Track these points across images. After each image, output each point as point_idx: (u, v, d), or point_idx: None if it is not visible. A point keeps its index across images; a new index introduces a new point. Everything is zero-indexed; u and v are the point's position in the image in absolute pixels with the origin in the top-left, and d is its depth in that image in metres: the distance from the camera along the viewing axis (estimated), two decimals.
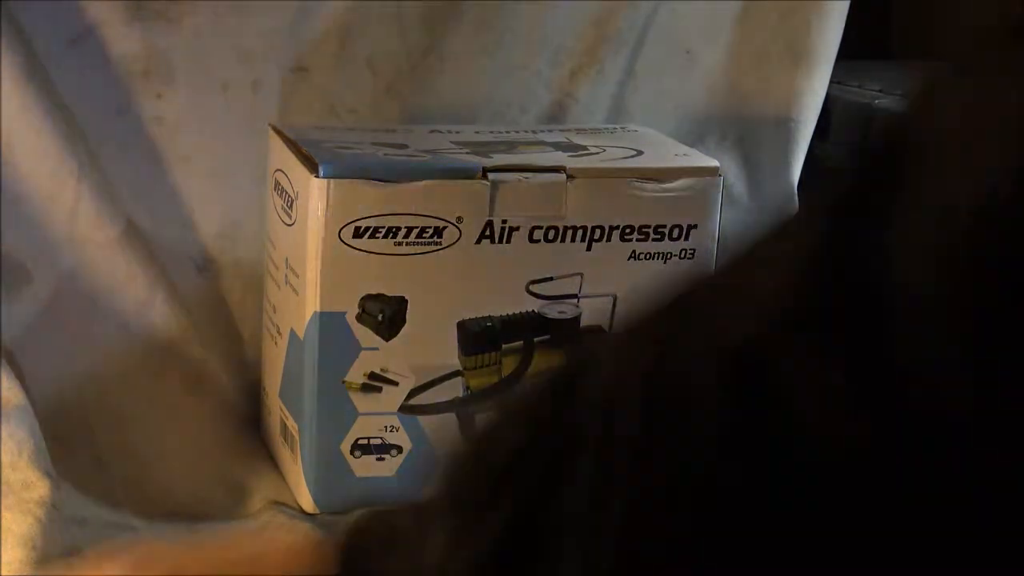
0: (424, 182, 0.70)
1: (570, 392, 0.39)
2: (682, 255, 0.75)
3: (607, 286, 0.74)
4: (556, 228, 0.73)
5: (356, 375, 0.73)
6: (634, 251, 0.74)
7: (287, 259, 0.74)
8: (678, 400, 0.36)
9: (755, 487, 0.35)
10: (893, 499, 0.34)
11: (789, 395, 0.34)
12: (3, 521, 0.65)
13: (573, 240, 0.73)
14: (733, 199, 0.92)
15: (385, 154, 0.73)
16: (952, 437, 0.33)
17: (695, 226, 0.75)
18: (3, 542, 0.64)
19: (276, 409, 0.78)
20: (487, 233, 0.72)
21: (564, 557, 0.37)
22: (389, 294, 0.71)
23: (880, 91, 1.01)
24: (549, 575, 0.37)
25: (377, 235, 0.70)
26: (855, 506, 0.34)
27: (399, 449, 0.74)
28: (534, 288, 0.74)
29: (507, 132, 0.80)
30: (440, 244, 0.71)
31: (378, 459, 0.74)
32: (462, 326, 0.73)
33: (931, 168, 0.34)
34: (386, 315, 0.72)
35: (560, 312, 0.74)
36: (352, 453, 0.74)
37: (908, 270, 0.34)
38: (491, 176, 0.71)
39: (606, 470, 0.37)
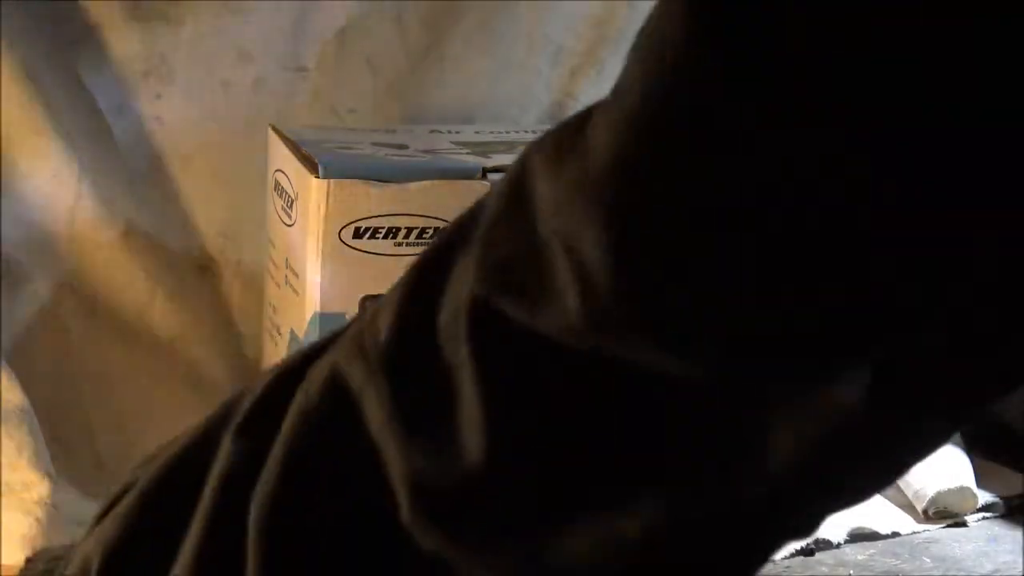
0: (424, 182, 0.70)
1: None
2: None
3: None
4: None
5: None
6: None
7: (287, 259, 0.74)
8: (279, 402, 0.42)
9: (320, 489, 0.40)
10: None
11: (356, 413, 0.39)
12: (3, 521, 0.65)
13: None
14: None
15: (385, 154, 0.73)
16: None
17: None
18: (3, 542, 0.64)
19: None
20: None
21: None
22: None
23: None
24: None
25: (377, 235, 0.70)
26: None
27: None
28: None
29: (507, 132, 0.80)
30: None
31: None
32: None
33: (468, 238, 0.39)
34: None
35: None
36: None
37: (445, 325, 0.38)
38: (491, 176, 0.71)
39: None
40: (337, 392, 0.40)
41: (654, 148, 0.34)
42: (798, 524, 0.39)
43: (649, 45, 0.35)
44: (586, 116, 0.37)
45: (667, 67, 0.34)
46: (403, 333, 0.39)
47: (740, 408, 0.36)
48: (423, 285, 0.40)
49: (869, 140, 0.33)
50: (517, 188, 0.38)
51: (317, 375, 0.41)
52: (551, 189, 0.36)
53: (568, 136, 0.37)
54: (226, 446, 0.42)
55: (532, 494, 0.37)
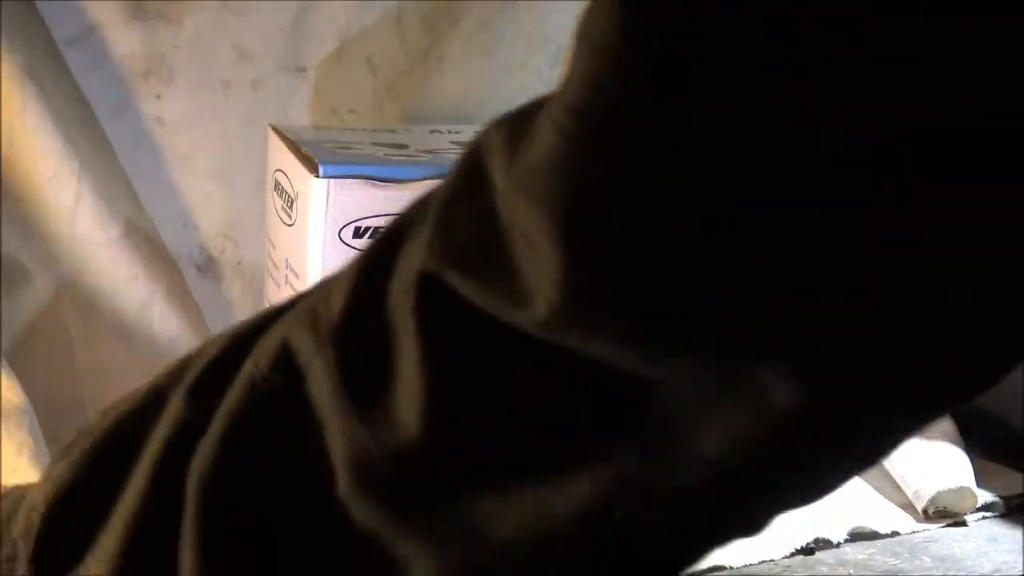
0: (424, 182, 0.70)
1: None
2: None
3: None
4: None
5: None
6: None
7: (287, 259, 0.74)
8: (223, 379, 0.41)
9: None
10: None
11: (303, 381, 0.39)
12: None
13: None
14: None
15: (385, 154, 0.73)
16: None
17: None
18: None
19: None
20: None
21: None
22: None
23: None
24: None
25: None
26: None
27: None
28: None
29: None
30: None
31: None
32: None
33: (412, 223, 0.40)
34: None
35: None
36: None
37: (392, 300, 0.38)
38: None
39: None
40: (285, 363, 0.40)
41: (593, 147, 0.34)
42: (743, 519, 0.39)
43: (584, 37, 0.34)
44: (541, 104, 0.37)
45: (602, 62, 0.34)
46: (354, 306, 0.39)
47: (683, 396, 0.35)
48: (378, 261, 0.40)
49: (869, 140, 0.33)
50: (475, 169, 0.38)
51: (268, 344, 0.41)
52: (504, 179, 0.36)
53: (521, 125, 0.37)
54: (174, 405, 0.42)
55: (465, 470, 0.37)
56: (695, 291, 0.34)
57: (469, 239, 0.37)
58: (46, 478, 0.45)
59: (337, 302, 0.40)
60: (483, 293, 0.36)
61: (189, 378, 0.43)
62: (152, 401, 0.43)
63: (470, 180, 0.38)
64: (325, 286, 0.42)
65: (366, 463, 0.38)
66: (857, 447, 0.37)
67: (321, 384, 0.39)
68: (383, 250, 0.40)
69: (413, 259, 0.38)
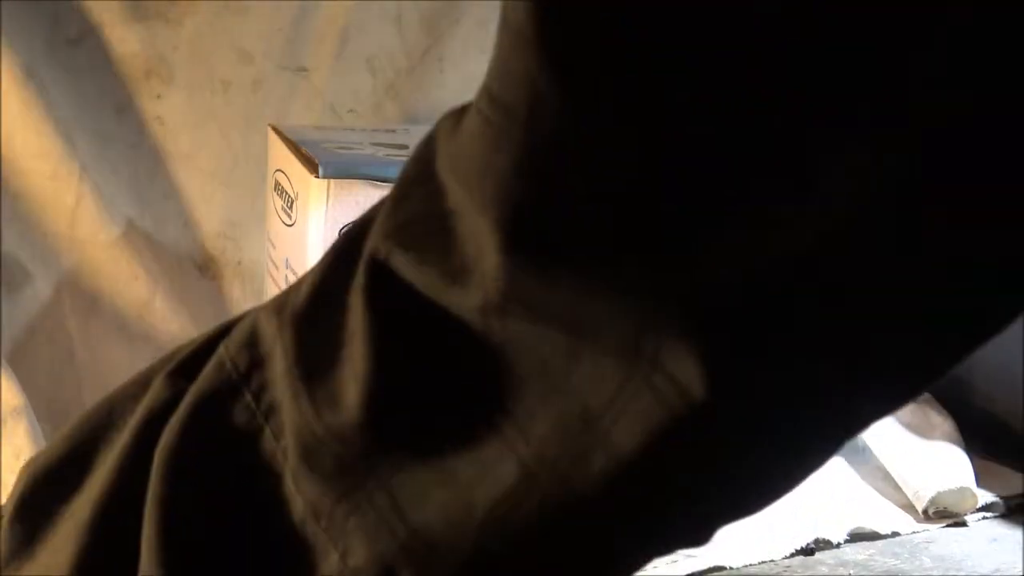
0: None
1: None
2: None
3: None
4: None
5: None
6: None
7: (287, 259, 0.74)
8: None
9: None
10: None
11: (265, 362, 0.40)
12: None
13: None
14: None
15: (385, 154, 0.73)
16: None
17: None
18: None
19: None
20: None
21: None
22: None
23: None
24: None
25: None
26: None
27: None
28: None
29: None
30: None
31: None
32: None
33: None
34: None
35: None
36: None
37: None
38: None
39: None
40: (251, 347, 0.41)
41: (508, 133, 0.34)
42: (675, 522, 0.38)
43: (503, 24, 0.34)
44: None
45: (516, 49, 0.34)
46: (318, 289, 0.40)
47: (599, 385, 0.35)
48: (346, 247, 0.40)
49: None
50: (427, 152, 0.38)
51: (241, 328, 0.42)
52: (445, 163, 0.37)
53: (461, 113, 0.37)
54: (156, 386, 0.43)
55: (396, 450, 0.38)
56: (608, 274, 0.34)
57: (415, 218, 0.38)
58: (38, 452, 0.46)
59: (305, 288, 0.40)
60: (421, 271, 0.37)
61: (173, 362, 0.44)
62: (140, 385, 0.44)
63: (421, 162, 0.38)
64: (304, 275, 0.42)
65: (312, 443, 0.38)
66: (792, 449, 0.37)
67: (279, 364, 0.40)
68: (352, 237, 0.40)
69: (370, 240, 0.39)
